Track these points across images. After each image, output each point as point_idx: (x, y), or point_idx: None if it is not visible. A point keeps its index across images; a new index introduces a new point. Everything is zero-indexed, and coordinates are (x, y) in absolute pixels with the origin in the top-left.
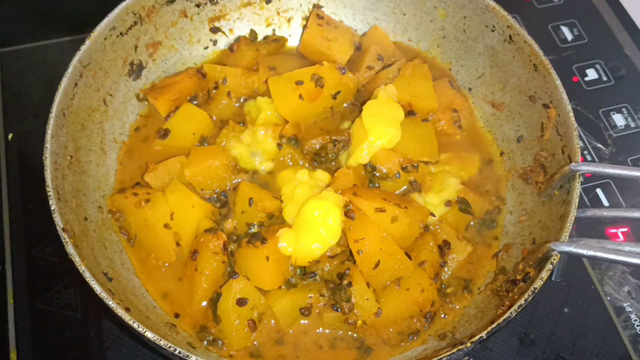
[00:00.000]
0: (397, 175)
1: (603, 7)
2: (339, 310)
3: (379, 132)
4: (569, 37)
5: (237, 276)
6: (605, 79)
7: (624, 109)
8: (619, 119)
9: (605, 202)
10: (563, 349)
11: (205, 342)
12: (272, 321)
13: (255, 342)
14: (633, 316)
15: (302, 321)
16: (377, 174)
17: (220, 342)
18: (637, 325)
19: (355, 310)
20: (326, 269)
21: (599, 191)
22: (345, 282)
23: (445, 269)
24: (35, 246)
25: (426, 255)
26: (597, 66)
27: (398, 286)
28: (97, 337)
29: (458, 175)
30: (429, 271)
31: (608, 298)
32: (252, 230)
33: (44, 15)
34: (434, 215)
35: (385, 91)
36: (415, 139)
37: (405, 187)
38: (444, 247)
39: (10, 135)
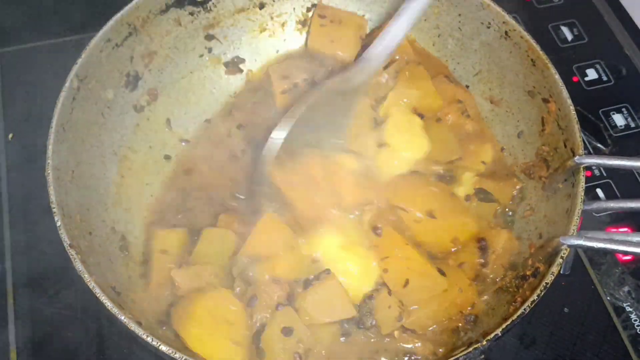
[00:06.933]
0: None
1: (603, 7)
2: (362, 326)
3: (412, 147)
4: (569, 37)
5: (282, 308)
6: (605, 79)
7: (624, 109)
8: (619, 119)
9: None
10: (563, 349)
11: None
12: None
13: None
14: (633, 316)
15: (341, 348)
16: None
17: None
18: (637, 325)
19: (377, 321)
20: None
21: (599, 191)
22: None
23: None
24: (35, 246)
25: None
26: (597, 66)
27: None
28: (97, 337)
29: (473, 168)
30: (468, 272)
31: (608, 298)
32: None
33: (44, 15)
34: None
35: (396, 105)
36: (438, 141)
37: None
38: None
39: (10, 135)
